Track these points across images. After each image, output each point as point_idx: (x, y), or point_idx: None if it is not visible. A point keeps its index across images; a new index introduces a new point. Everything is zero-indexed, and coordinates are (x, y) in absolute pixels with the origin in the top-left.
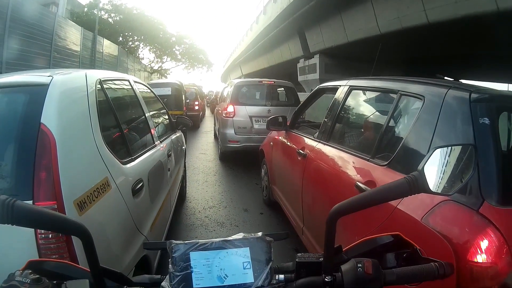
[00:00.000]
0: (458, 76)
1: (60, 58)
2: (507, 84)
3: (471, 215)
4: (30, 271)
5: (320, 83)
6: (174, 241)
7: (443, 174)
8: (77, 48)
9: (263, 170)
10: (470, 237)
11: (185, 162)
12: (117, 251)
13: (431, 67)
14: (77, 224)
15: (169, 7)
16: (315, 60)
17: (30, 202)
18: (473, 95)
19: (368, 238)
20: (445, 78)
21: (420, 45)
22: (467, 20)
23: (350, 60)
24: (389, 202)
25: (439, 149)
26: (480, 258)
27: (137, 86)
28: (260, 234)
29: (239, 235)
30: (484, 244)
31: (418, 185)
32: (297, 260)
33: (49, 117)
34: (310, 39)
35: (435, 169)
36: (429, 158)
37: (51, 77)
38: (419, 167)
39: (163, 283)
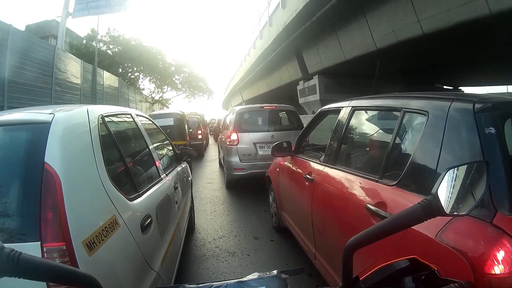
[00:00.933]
0: (457, 83)
1: (61, 91)
2: (506, 86)
3: (485, 227)
4: None
5: (321, 104)
6: (186, 285)
7: (456, 195)
8: (78, 81)
9: (270, 197)
10: (485, 249)
11: (192, 193)
12: None
13: (430, 77)
14: (85, 276)
15: (167, 36)
16: (315, 81)
17: (38, 243)
18: (477, 106)
19: (385, 264)
20: (445, 87)
21: (418, 56)
22: (461, 26)
23: (349, 77)
24: None
25: (451, 170)
26: (498, 269)
27: (139, 119)
28: (275, 272)
29: (254, 275)
30: (500, 255)
31: (433, 209)
32: None
33: (53, 156)
34: (308, 60)
35: (448, 190)
36: (442, 180)
37: (52, 115)
38: (433, 191)
39: None
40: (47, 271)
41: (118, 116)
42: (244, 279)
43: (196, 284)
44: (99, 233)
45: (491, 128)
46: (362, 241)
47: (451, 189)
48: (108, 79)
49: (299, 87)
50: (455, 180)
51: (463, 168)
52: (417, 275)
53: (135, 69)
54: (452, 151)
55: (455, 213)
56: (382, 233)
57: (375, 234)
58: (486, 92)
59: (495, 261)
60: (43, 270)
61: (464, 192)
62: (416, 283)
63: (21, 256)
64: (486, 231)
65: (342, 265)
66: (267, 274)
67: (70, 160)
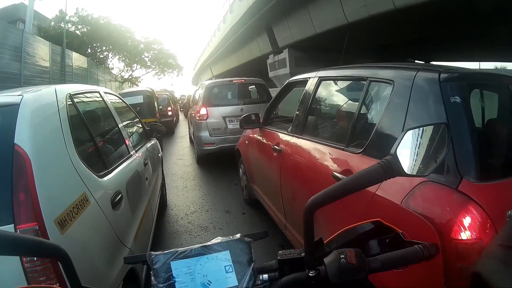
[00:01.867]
0: (429, 59)
1: (30, 76)
2: (478, 63)
3: (451, 194)
4: None
5: (291, 77)
6: (153, 253)
7: (416, 155)
8: (47, 64)
9: (241, 170)
10: (451, 215)
11: (163, 169)
12: (103, 266)
13: (402, 52)
14: (52, 246)
15: (136, 13)
16: (285, 54)
17: (12, 225)
18: (443, 75)
19: (349, 227)
20: (416, 61)
21: (389, 31)
22: (433, 2)
23: (320, 51)
24: (368, 188)
25: (411, 131)
26: (464, 235)
27: (108, 97)
28: (238, 235)
29: (217, 239)
30: (466, 221)
31: (393, 169)
32: (278, 258)
33: (23, 137)
34: (278, 34)
35: (408, 151)
36: (401, 141)
37: (21, 96)
38: (392, 151)
39: None
40: (15, 244)
41: (86, 94)
42: (208, 243)
43: (162, 251)
44: (70, 210)
45: (457, 97)
46: (321, 201)
47: (411, 150)
48: (77, 60)
49: (269, 61)
50: (415, 141)
51: (423, 129)
52: (382, 238)
53: (104, 48)
54: (417, 120)
55: (415, 173)
56: (342, 192)
57: (334, 193)
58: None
59: (461, 227)
60: (11, 244)
61: (424, 153)
62: (381, 246)
63: None
64: (452, 197)
65: (303, 227)
66: (230, 237)
67: (39, 141)
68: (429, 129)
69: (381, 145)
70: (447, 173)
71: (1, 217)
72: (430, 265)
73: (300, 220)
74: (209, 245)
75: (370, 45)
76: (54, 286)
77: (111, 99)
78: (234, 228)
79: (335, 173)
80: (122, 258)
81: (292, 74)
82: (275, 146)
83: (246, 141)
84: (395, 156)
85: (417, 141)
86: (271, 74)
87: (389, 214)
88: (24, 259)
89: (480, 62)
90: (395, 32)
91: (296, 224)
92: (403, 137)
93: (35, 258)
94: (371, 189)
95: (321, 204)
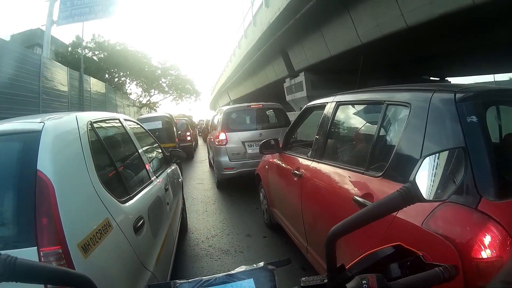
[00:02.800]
0: (444, 74)
1: (49, 100)
2: (492, 75)
3: (471, 213)
4: None
5: (308, 100)
6: (178, 281)
7: (435, 181)
8: (65, 89)
9: (261, 194)
10: (472, 235)
11: (183, 194)
12: None
13: (417, 69)
14: (79, 275)
15: (152, 39)
16: (301, 78)
17: (35, 248)
18: (458, 95)
19: (370, 252)
20: (431, 78)
21: (403, 49)
22: (445, 18)
23: (335, 73)
24: None
25: (428, 157)
26: (485, 254)
27: (128, 124)
28: (262, 264)
29: (241, 268)
30: (486, 239)
31: (412, 196)
32: (301, 285)
33: (45, 163)
34: (294, 58)
35: (426, 177)
36: (419, 167)
37: (42, 123)
38: (411, 178)
39: None
40: (43, 273)
41: (107, 121)
42: (232, 272)
43: (186, 279)
44: (93, 235)
45: (473, 116)
46: (344, 229)
47: (429, 175)
48: (95, 85)
49: (285, 85)
50: (433, 167)
51: (441, 155)
52: (403, 261)
53: (122, 74)
54: (435, 141)
55: (434, 198)
56: (363, 221)
57: (356, 222)
58: (473, 82)
59: (481, 246)
60: (39, 273)
61: (442, 178)
62: (402, 269)
63: (17, 261)
64: (471, 217)
65: (325, 255)
66: (254, 266)
67: (61, 167)
68: (446, 154)
69: (401, 167)
70: (466, 194)
71: (25, 240)
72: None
73: (322, 243)
74: (233, 274)
75: (383, 64)
76: None
77: (131, 126)
78: (255, 252)
79: (356, 197)
80: (144, 281)
81: (309, 97)
82: (295, 171)
83: (266, 166)
84: (413, 183)
85: (435, 166)
86: (288, 97)
87: (410, 236)
88: (42, 254)
89: (495, 75)
90: (408, 50)
91: (318, 248)
92: (421, 163)
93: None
94: None
95: (343, 233)
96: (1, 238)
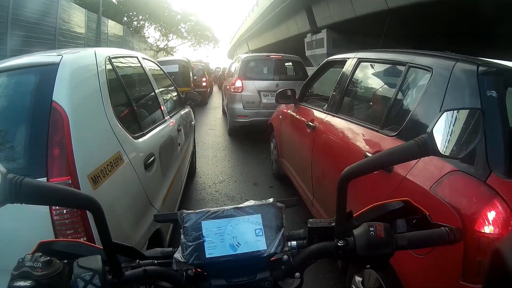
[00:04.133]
0: (468, 54)
1: (65, 41)
2: None
3: (479, 186)
4: (40, 253)
5: (328, 57)
6: (185, 211)
7: (451, 137)
8: (82, 30)
9: (272, 144)
10: (477, 207)
11: (194, 138)
12: (130, 225)
13: (441, 44)
14: (87, 197)
15: None
16: (323, 34)
17: (44, 179)
18: (481, 68)
19: (378, 204)
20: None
21: (429, 21)
22: None
23: (357, 35)
24: (398, 172)
25: (447, 112)
26: (488, 229)
27: (145, 63)
28: (271, 200)
29: (250, 202)
30: (491, 215)
31: (428, 147)
32: (308, 225)
33: (61, 95)
34: (317, 14)
35: (443, 132)
36: (437, 121)
37: (60, 56)
38: (428, 130)
39: (175, 255)
40: (50, 194)
41: (125, 58)
42: (240, 205)
43: (194, 211)
44: (104, 167)
45: (493, 91)
46: (356, 171)
47: (447, 130)
48: (113, 27)
49: (306, 40)
50: (451, 123)
51: (460, 112)
52: (409, 217)
53: (140, 17)
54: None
55: (449, 154)
56: (377, 165)
57: (370, 165)
58: None
59: (485, 221)
60: (46, 194)
61: (458, 135)
62: (408, 226)
63: (24, 180)
64: (479, 190)
65: (336, 197)
66: (263, 201)
67: (77, 99)
68: (465, 113)
69: (416, 130)
70: (477, 165)
71: (35, 170)
72: (450, 255)
73: (328, 197)
74: (241, 207)
75: (408, 33)
76: (81, 240)
77: (149, 65)
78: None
79: (368, 154)
80: (149, 219)
81: (329, 55)
82: (309, 123)
83: (280, 116)
84: (431, 134)
85: (452, 123)
86: (308, 53)
87: (417, 199)
88: (54, 212)
89: None
90: (435, 23)
91: (323, 202)
92: (439, 117)
93: (64, 211)
94: (402, 172)
95: (356, 175)
96: (12, 167)
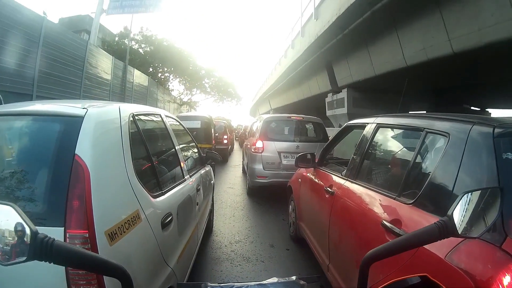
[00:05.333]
0: (485, 105)
1: (90, 86)
2: None
3: (494, 251)
4: None
5: (349, 117)
6: (209, 284)
7: (470, 218)
8: (108, 77)
9: (290, 206)
10: (492, 273)
11: (213, 196)
12: (144, 282)
13: (458, 97)
14: (117, 266)
15: (198, 39)
16: (343, 94)
17: (62, 229)
18: (497, 130)
19: (397, 279)
20: (472, 108)
21: (447, 75)
22: (492, 47)
23: (377, 92)
24: None
25: (467, 193)
26: None
27: (168, 120)
28: (294, 278)
29: (274, 279)
30: (506, 279)
31: (448, 230)
32: None
33: (84, 149)
34: (338, 73)
35: (463, 213)
36: (458, 203)
37: (85, 110)
38: (449, 213)
39: None
40: (80, 259)
41: (148, 115)
42: (264, 282)
43: (218, 283)
44: (122, 225)
45: (509, 153)
46: (379, 255)
47: (465, 212)
48: (138, 77)
49: (327, 99)
50: (469, 204)
51: (478, 193)
52: None
53: (166, 69)
54: (470, 174)
55: (468, 235)
56: (399, 249)
57: (392, 249)
58: None
59: (500, 286)
60: (76, 258)
61: (477, 216)
62: None
63: (54, 242)
64: (494, 255)
65: (358, 277)
66: (286, 279)
67: (99, 154)
68: (484, 192)
69: (432, 197)
70: (492, 231)
71: (54, 219)
72: None
73: (344, 263)
74: (265, 284)
75: (426, 88)
76: None
77: (171, 123)
78: (276, 263)
79: (385, 222)
80: (163, 277)
81: (350, 114)
82: (328, 188)
83: (299, 179)
84: (451, 217)
85: (471, 203)
86: (328, 113)
87: (432, 267)
88: (68, 235)
89: None
90: (452, 76)
91: (339, 267)
92: (460, 199)
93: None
94: None
95: (378, 258)
96: (29, 213)
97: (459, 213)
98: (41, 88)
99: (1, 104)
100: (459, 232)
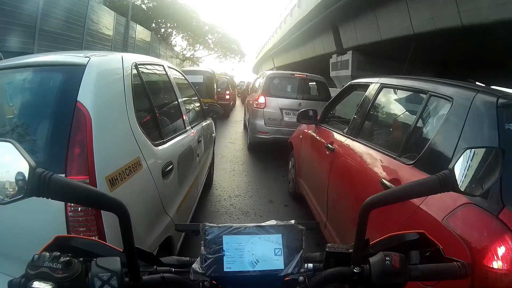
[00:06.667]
0: (490, 82)
1: (92, 42)
2: None
3: (491, 220)
4: (58, 253)
5: (352, 79)
6: (208, 224)
7: (471, 174)
8: (110, 33)
9: (290, 163)
10: (487, 242)
11: (213, 150)
12: (143, 229)
13: (464, 71)
14: (115, 201)
15: None
16: (348, 56)
17: (63, 175)
18: (500, 100)
19: (395, 233)
20: (477, 83)
21: (454, 48)
22: (499, 24)
23: (382, 58)
24: (412, 201)
25: (469, 149)
26: (496, 264)
27: (171, 72)
28: (293, 222)
29: (272, 222)
30: (501, 250)
31: (448, 183)
32: (327, 249)
33: (86, 96)
34: (344, 35)
35: (464, 169)
36: (459, 158)
37: (88, 58)
38: (450, 166)
39: (193, 265)
40: (78, 193)
41: (151, 65)
42: (262, 224)
43: (217, 224)
44: (122, 171)
45: (511, 124)
46: (379, 201)
47: (467, 168)
48: (140, 33)
49: (332, 60)
50: (471, 161)
51: (481, 151)
52: (423, 250)
53: (169, 25)
54: (470, 140)
55: (467, 191)
56: (399, 197)
57: (392, 196)
58: None
59: (495, 256)
60: (74, 192)
61: (478, 174)
62: (421, 258)
63: (52, 176)
64: (491, 224)
65: (357, 224)
66: (285, 222)
67: (101, 101)
68: (486, 151)
69: (432, 160)
70: (490, 199)
71: (54, 165)
72: (458, 286)
73: (341, 220)
74: (263, 226)
75: (431, 59)
76: (94, 238)
77: (174, 74)
78: (274, 218)
79: (384, 180)
80: (162, 225)
81: (353, 76)
82: (329, 145)
83: (300, 136)
84: (452, 171)
85: (473, 161)
86: (332, 73)
87: (428, 229)
88: (69, 208)
89: None
90: (458, 50)
91: (336, 224)
92: (461, 154)
93: (79, 208)
94: (416, 201)
95: (378, 205)
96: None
97: (461, 168)
98: (42, 46)
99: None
100: (460, 187)
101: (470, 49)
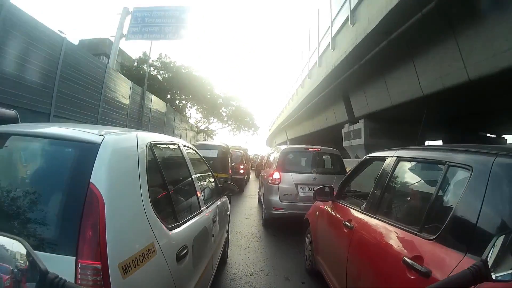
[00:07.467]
0: (501, 131)
1: (108, 109)
2: None
3: None
4: None
5: (365, 148)
6: None
7: (505, 262)
8: (126, 101)
9: (307, 239)
10: None
11: (228, 227)
12: None
13: (474, 124)
14: None
15: (216, 68)
16: (360, 125)
17: (73, 258)
18: None
19: None
20: (488, 135)
21: (462, 103)
22: (507, 72)
23: (394, 123)
24: (436, 278)
25: (502, 236)
26: None
27: (186, 150)
28: None
29: None
30: None
31: (482, 275)
32: None
33: (99, 178)
34: (355, 104)
35: (497, 258)
36: (492, 246)
37: (102, 136)
38: (483, 257)
39: None
40: None
41: (166, 144)
42: None
43: None
44: (136, 258)
45: None
46: None
47: (501, 255)
48: (156, 103)
49: (344, 130)
50: (505, 246)
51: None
52: None
53: (183, 97)
54: (494, 207)
55: (502, 279)
56: None
57: None
58: None
59: None
60: None
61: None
62: None
63: (66, 283)
64: None
65: None
66: None
67: (115, 183)
68: None
69: (455, 233)
70: None
71: (65, 247)
72: None
73: None
74: None
75: (443, 117)
76: None
77: (189, 152)
78: None
79: (406, 258)
80: None
81: (366, 145)
82: (347, 222)
83: (317, 212)
84: (485, 262)
85: (507, 245)
86: (345, 143)
87: None
88: (79, 266)
89: None
90: (468, 104)
91: None
92: (495, 242)
93: (88, 272)
94: (439, 277)
95: None
96: (41, 238)
97: (493, 256)
98: (59, 108)
99: (18, 122)
100: (494, 277)
101: (479, 101)
